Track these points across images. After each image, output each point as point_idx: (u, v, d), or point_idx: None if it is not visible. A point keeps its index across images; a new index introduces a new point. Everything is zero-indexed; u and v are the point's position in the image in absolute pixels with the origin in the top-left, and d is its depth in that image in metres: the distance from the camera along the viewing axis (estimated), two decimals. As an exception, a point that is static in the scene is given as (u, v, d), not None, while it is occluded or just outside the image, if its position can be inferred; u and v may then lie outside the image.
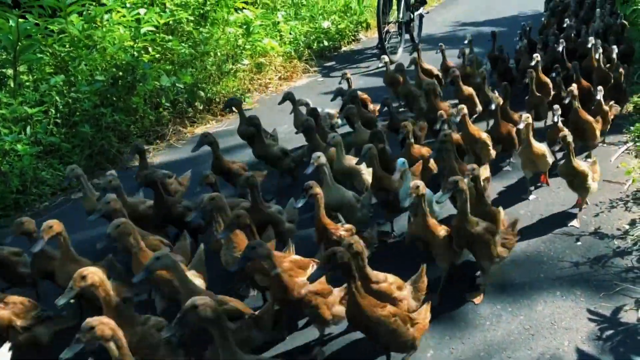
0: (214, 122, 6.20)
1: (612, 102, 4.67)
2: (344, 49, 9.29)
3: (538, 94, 4.79)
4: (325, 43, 8.80)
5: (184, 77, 5.96)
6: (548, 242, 3.49)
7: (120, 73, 5.65)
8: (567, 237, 3.52)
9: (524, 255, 3.39)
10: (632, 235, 3.44)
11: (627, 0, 7.59)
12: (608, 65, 5.17)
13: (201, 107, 6.24)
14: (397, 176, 3.34)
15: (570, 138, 3.55)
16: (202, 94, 6.26)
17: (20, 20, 5.26)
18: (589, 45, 5.29)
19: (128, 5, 6.57)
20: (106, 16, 6.21)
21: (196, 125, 6.05)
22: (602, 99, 4.43)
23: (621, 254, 3.30)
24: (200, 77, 6.34)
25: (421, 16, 9.31)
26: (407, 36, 8.77)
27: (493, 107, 4.25)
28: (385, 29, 8.05)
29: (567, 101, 4.18)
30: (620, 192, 4.02)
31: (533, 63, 5.00)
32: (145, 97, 5.75)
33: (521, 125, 3.78)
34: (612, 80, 4.92)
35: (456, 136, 4.04)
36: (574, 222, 3.65)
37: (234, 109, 4.81)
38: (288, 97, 4.88)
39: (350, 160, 3.81)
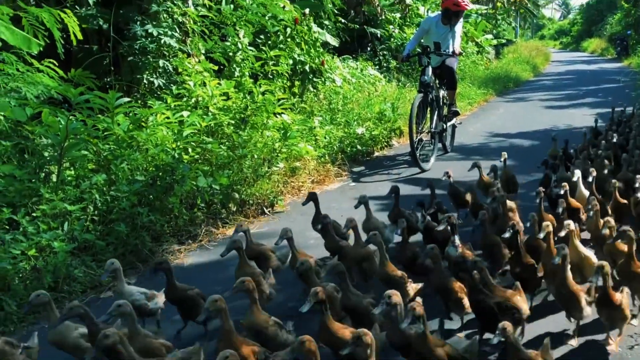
0: (246, 224, 6.26)
1: None
2: (376, 154, 9.46)
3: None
4: (359, 148, 8.99)
5: (220, 178, 6.10)
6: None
7: (160, 174, 5.82)
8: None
9: None
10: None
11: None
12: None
13: (234, 209, 6.34)
14: None
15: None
16: (237, 195, 6.37)
17: (70, 118, 5.51)
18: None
19: (172, 107, 6.88)
20: (151, 118, 6.47)
21: (228, 226, 6.12)
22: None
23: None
24: (236, 179, 6.48)
25: (454, 126, 9.52)
26: (439, 145, 8.93)
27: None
28: (418, 138, 8.22)
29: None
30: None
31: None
32: (181, 198, 5.88)
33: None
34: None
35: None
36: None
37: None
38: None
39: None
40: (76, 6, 7.68)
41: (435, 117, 8.50)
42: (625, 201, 4.93)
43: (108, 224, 5.28)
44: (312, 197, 5.09)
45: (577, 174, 5.25)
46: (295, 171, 7.56)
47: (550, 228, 3.88)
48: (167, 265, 3.76)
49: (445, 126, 8.91)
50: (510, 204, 4.87)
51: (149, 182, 5.71)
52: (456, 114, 9.22)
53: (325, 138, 8.53)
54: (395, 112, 10.19)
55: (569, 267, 3.53)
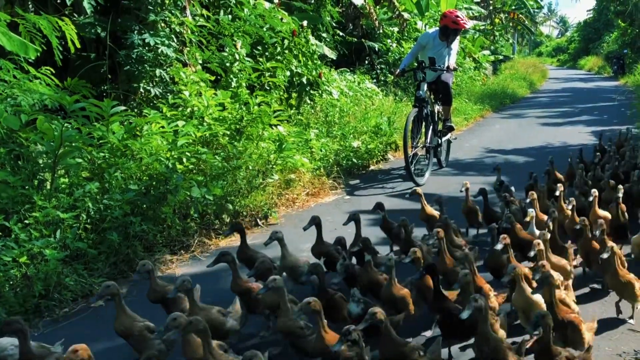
0: (239, 236, 6.25)
1: None
2: (372, 167, 9.48)
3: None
4: (354, 161, 9.00)
5: (214, 189, 6.09)
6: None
7: (154, 183, 5.81)
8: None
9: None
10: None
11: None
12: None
13: (228, 220, 6.33)
14: None
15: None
16: (230, 206, 6.37)
17: (65, 125, 5.51)
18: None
19: (168, 116, 6.88)
20: (146, 127, 6.47)
21: (221, 237, 6.11)
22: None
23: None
24: (230, 190, 6.48)
25: (449, 141, 9.56)
26: (434, 160, 8.95)
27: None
28: (413, 153, 8.24)
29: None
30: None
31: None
32: (175, 208, 5.87)
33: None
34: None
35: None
36: None
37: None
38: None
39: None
40: (74, 14, 7.71)
41: (430, 132, 8.53)
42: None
43: (100, 233, 5.27)
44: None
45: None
46: (290, 183, 7.56)
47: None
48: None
49: (440, 141, 8.94)
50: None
51: (142, 191, 5.70)
52: (451, 129, 9.25)
53: (321, 151, 8.54)
54: (391, 126, 10.22)
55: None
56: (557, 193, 5.36)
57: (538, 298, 3.56)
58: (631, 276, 4.03)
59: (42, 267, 4.67)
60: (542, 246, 4.05)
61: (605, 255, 4.02)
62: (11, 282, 4.53)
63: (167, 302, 3.87)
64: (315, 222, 4.84)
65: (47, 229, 5.04)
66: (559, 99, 21.11)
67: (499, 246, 4.06)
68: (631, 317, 4.11)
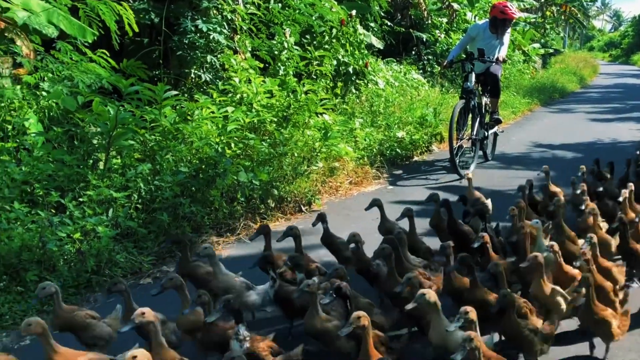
0: (283, 221, 6.36)
1: None
2: (415, 158, 9.45)
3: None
4: (398, 151, 9.00)
5: (260, 174, 6.20)
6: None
7: (203, 166, 5.96)
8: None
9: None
10: None
11: None
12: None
13: (273, 205, 6.44)
14: None
15: None
16: (276, 192, 6.47)
17: (119, 108, 5.69)
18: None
19: (218, 102, 7.02)
20: (197, 111, 6.62)
21: (266, 221, 6.21)
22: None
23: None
24: (276, 175, 6.58)
25: (495, 134, 9.45)
26: (480, 153, 8.88)
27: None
28: (458, 145, 8.19)
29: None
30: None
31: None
32: (222, 191, 6.00)
33: None
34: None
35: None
36: None
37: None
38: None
39: None
40: (129, 0, 7.90)
41: (476, 124, 8.45)
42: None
43: (151, 213, 5.44)
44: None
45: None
46: (334, 171, 7.62)
47: None
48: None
49: (486, 134, 8.85)
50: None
51: (192, 174, 5.84)
52: (498, 121, 9.15)
53: (365, 140, 8.57)
54: (437, 118, 10.16)
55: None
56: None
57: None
58: (608, 312, 3.46)
59: (94, 243, 4.86)
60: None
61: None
62: (65, 257, 4.73)
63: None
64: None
65: (100, 207, 5.23)
66: (609, 94, 20.58)
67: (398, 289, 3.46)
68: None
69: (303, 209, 6.75)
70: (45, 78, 6.23)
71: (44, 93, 6.08)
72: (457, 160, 8.06)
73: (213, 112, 6.67)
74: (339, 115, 8.84)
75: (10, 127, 5.81)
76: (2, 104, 5.77)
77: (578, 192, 5.17)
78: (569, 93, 20.47)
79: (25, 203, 5.06)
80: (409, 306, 3.12)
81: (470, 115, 8.49)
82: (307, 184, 6.94)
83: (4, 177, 5.04)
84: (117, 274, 4.85)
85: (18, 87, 6.02)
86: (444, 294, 3.69)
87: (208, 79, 7.70)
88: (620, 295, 3.75)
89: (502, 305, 3.19)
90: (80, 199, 5.24)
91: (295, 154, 7.00)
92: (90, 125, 5.96)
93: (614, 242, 4.47)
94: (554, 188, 5.62)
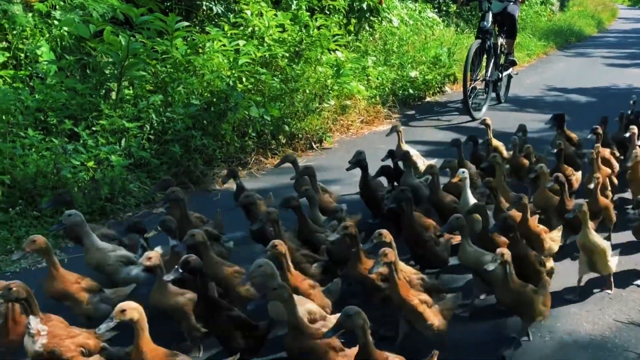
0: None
1: None
2: (428, 99, 9.37)
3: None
4: (411, 91, 8.91)
5: (272, 110, 6.19)
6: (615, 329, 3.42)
7: (214, 100, 5.94)
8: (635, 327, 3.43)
9: (588, 338, 3.34)
10: None
11: None
12: None
13: (284, 141, 6.46)
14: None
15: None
16: (287, 128, 6.47)
17: (131, 38, 5.64)
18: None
19: (229, 35, 6.93)
20: (208, 44, 6.55)
21: (277, 157, 6.24)
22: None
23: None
24: (287, 112, 6.56)
25: (509, 76, 9.32)
26: (493, 94, 8.79)
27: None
28: (472, 86, 8.10)
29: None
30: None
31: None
32: (234, 125, 6.01)
33: None
34: None
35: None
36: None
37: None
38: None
39: None
40: None
41: (491, 65, 8.33)
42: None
43: (163, 144, 5.47)
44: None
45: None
46: (346, 109, 7.58)
47: None
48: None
49: (500, 75, 8.73)
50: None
51: (203, 107, 5.84)
52: (513, 63, 9.01)
53: (377, 79, 8.48)
54: (450, 58, 10.01)
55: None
56: None
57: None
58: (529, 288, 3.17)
59: (108, 172, 4.92)
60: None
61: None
62: (80, 185, 4.80)
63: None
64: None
65: (112, 136, 5.26)
66: (627, 39, 20.12)
67: (333, 237, 3.28)
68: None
69: (314, 146, 6.76)
70: (57, 6, 6.15)
71: (56, 22, 6.02)
72: (470, 102, 7.99)
73: (224, 45, 6.60)
74: (352, 52, 8.73)
75: (22, 55, 5.79)
76: (15, 31, 5.73)
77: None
78: (586, 37, 20.03)
79: (39, 131, 5.10)
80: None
81: (485, 56, 8.36)
82: (319, 121, 6.92)
83: (18, 104, 5.05)
84: (131, 203, 4.93)
85: (30, 14, 5.95)
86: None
87: (219, 11, 7.57)
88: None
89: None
90: (94, 128, 5.27)
91: (307, 91, 6.96)
92: (102, 55, 5.92)
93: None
94: (495, 142, 5.48)
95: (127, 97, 5.77)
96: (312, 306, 2.95)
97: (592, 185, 4.16)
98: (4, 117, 4.96)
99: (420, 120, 8.17)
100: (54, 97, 5.30)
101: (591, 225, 3.67)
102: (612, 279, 3.76)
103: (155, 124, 5.51)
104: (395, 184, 4.73)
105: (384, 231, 3.22)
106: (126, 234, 3.64)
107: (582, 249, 3.65)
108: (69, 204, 3.78)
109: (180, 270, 2.84)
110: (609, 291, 3.74)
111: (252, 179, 5.73)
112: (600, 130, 5.17)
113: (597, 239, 3.62)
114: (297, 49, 7.35)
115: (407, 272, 3.28)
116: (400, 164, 4.69)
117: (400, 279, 2.97)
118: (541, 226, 3.91)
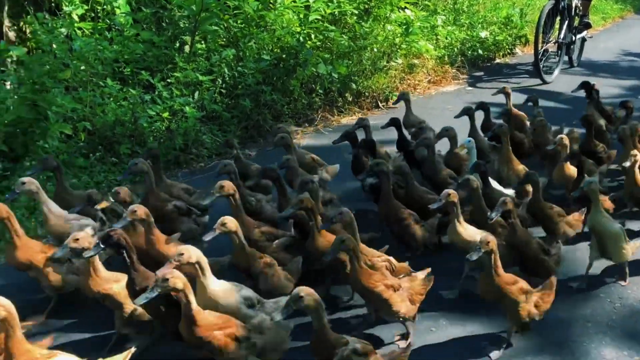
0: (360, 115, 6.40)
1: None
2: (497, 60, 9.16)
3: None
4: (480, 52, 8.73)
5: (339, 67, 6.20)
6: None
7: (284, 55, 6.00)
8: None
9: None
10: None
11: None
12: None
13: (350, 99, 6.48)
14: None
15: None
16: (354, 86, 6.48)
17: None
18: None
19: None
20: (279, 0, 6.58)
21: (343, 115, 6.29)
22: None
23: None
24: (354, 69, 6.56)
25: (583, 39, 8.99)
26: (565, 58, 8.51)
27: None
28: (544, 48, 7.86)
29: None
30: None
31: None
32: (302, 82, 6.06)
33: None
34: None
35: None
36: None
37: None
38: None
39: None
40: None
41: (564, 27, 8.05)
42: None
43: (234, 98, 5.59)
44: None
45: None
46: (413, 68, 7.52)
47: None
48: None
49: (574, 38, 8.43)
50: None
51: (273, 62, 5.91)
52: (588, 26, 8.68)
53: (446, 39, 8.34)
54: (523, 19, 9.72)
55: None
56: None
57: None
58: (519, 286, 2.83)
59: (182, 123, 5.08)
60: None
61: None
62: (155, 134, 4.98)
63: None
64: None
65: (186, 89, 5.42)
66: None
67: (285, 213, 3.20)
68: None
69: (380, 104, 6.75)
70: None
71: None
72: (542, 65, 7.78)
73: (295, 1, 6.60)
74: (421, 11, 8.57)
75: (100, 7, 5.96)
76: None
77: None
78: (667, 0, 18.98)
79: (117, 81, 5.29)
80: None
81: (558, 18, 8.08)
82: (386, 80, 6.90)
83: (98, 54, 5.23)
84: (203, 154, 5.09)
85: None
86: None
87: (291, -34, 7.54)
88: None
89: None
90: (168, 80, 5.42)
91: (375, 49, 6.93)
92: (177, 9, 6.03)
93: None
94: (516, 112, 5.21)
95: (200, 51, 5.89)
96: (248, 292, 2.69)
97: (628, 164, 3.75)
98: (83, 67, 5.16)
99: (489, 82, 8.01)
100: (131, 49, 5.46)
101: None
102: (627, 269, 3.43)
103: (227, 78, 5.63)
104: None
105: (345, 209, 3.03)
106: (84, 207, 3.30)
107: (592, 231, 3.37)
108: (55, 169, 3.54)
109: (102, 246, 2.59)
110: (622, 282, 3.42)
111: (318, 135, 5.81)
112: (631, 104, 4.79)
113: (608, 221, 3.33)
114: (366, 6, 7.29)
115: (370, 255, 3.05)
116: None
117: (362, 266, 2.73)
118: (557, 207, 3.59)
